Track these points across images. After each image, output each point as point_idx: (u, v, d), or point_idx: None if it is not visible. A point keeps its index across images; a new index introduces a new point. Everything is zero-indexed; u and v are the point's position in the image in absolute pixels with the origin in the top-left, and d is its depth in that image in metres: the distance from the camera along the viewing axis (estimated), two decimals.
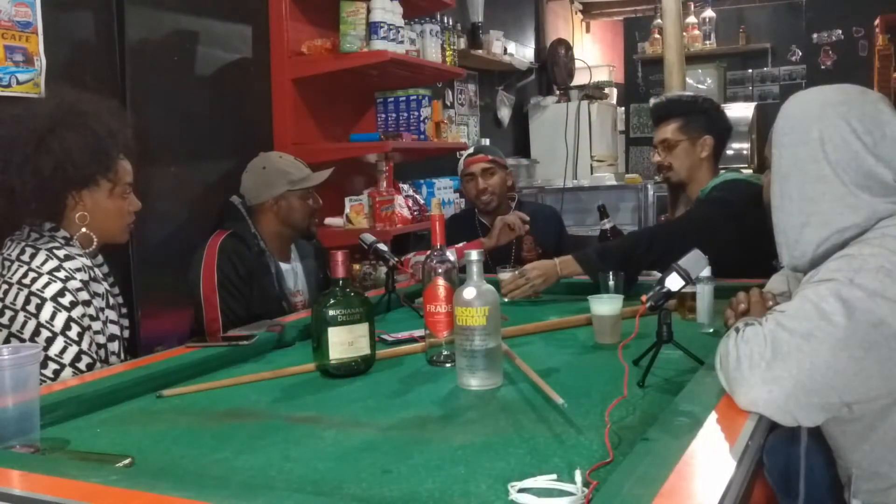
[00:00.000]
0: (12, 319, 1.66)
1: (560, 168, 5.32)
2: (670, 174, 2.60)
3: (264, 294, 2.36)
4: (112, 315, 1.82)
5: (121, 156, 1.85)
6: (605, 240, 2.58)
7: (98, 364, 1.71)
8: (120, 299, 1.92)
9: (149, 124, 2.51)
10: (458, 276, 1.63)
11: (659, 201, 4.69)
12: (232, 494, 0.92)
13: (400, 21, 3.25)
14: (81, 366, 1.66)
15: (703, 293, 1.84)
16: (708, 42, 6.51)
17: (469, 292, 1.46)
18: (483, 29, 4.73)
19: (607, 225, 2.63)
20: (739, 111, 5.79)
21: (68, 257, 1.74)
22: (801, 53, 6.34)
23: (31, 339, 1.64)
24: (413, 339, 1.83)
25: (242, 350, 1.79)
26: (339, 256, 1.61)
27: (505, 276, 2.33)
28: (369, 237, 2.42)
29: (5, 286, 1.69)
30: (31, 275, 1.68)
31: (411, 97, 3.52)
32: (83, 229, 1.82)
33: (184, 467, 1.13)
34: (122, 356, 1.83)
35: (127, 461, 1.11)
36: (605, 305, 1.79)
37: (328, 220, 3.19)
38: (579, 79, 6.10)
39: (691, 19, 6.44)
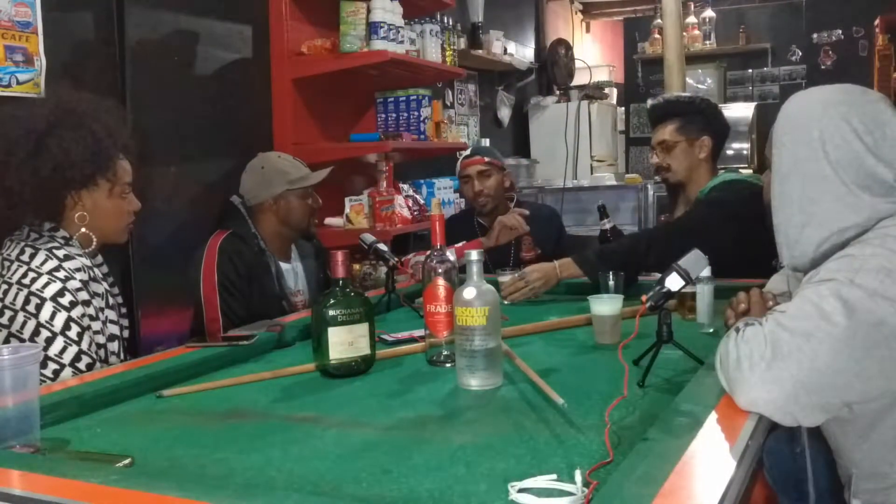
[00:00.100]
0: (12, 319, 1.66)
1: (560, 168, 5.32)
2: (669, 175, 2.60)
3: (264, 294, 2.36)
4: (112, 315, 1.82)
5: (120, 156, 1.85)
6: (605, 240, 2.58)
7: (98, 364, 1.71)
8: (119, 299, 1.92)
9: (149, 124, 2.51)
10: (458, 276, 1.63)
11: (659, 201, 4.70)
12: (232, 494, 0.92)
13: (400, 21, 3.25)
14: (81, 366, 1.66)
15: (703, 293, 1.84)
16: (708, 42, 6.51)
17: (469, 292, 1.46)
18: (483, 29, 4.73)
19: (607, 225, 2.63)
20: (739, 111, 5.79)
21: (68, 257, 1.74)
22: (801, 53, 6.34)
23: (31, 339, 1.64)
24: (413, 339, 1.83)
25: (242, 350, 1.79)
26: (339, 256, 1.61)
27: (504, 278, 2.33)
28: (369, 237, 2.42)
29: (5, 286, 1.69)
30: (31, 275, 1.68)
31: (411, 97, 3.52)
32: (82, 229, 1.82)
33: (184, 467, 1.13)
34: (122, 356, 1.83)
35: (127, 461, 1.11)
36: (605, 305, 1.79)
37: (328, 220, 3.19)
38: (579, 79, 6.10)
39: (691, 19, 6.43)
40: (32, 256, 1.71)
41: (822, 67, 6.26)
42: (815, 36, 6.27)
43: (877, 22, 5.91)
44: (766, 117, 5.78)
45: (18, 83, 2.17)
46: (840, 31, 6.20)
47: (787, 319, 1.21)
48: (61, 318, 1.66)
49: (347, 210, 3.20)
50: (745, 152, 5.71)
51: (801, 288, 1.29)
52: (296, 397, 1.49)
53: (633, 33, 6.86)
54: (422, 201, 3.58)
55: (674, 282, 1.45)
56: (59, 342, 1.65)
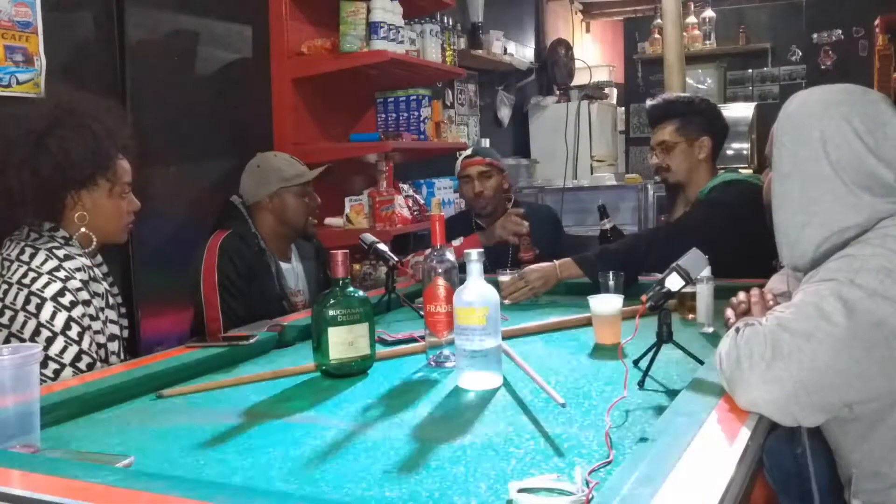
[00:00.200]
0: (12, 319, 1.66)
1: (560, 168, 5.31)
2: (668, 175, 2.60)
3: (264, 294, 2.36)
4: (112, 315, 1.82)
5: (119, 155, 1.85)
6: (606, 240, 2.58)
7: (98, 364, 1.71)
8: (119, 299, 1.92)
9: (149, 124, 2.51)
10: (458, 276, 1.63)
11: (659, 201, 4.69)
12: (232, 494, 0.92)
13: (400, 21, 3.25)
14: (81, 365, 1.66)
15: (703, 293, 1.84)
16: (708, 42, 6.51)
17: (469, 292, 1.46)
18: (483, 29, 4.73)
19: (607, 225, 2.63)
20: (739, 111, 5.79)
21: (68, 257, 1.74)
22: (801, 53, 6.34)
23: (32, 339, 1.64)
24: (413, 339, 1.83)
25: (242, 350, 1.79)
26: (339, 256, 1.61)
27: (504, 278, 2.33)
28: (369, 237, 2.42)
29: (5, 286, 1.69)
30: (31, 275, 1.68)
31: (411, 97, 3.52)
32: (82, 229, 1.82)
33: (184, 467, 1.13)
34: (122, 356, 1.83)
35: (127, 461, 1.11)
36: (605, 305, 1.79)
37: (328, 220, 3.19)
38: (579, 79, 6.10)
39: (691, 19, 6.44)
40: (32, 256, 1.71)
41: (822, 67, 6.26)
42: (815, 36, 6.28)
43: (877, 22, 5.91)
44: (766, 117, 5.78)
45: (18, 83, 2.17)
46: (840, 31, 6.21)
47: (788, 319, 1.21)
48: (62, 317, 1.66)
49: (347, 210, 3.20)
50: (745, 152, 5.71)
51: (801, 288, 1.29)
52: (296, 397, 1.49)
53: (633, 33, 6.86)
54: (422, 201, 3.58)
55: (674, 282, 1.45)
56: (59, 342, 1.65)
